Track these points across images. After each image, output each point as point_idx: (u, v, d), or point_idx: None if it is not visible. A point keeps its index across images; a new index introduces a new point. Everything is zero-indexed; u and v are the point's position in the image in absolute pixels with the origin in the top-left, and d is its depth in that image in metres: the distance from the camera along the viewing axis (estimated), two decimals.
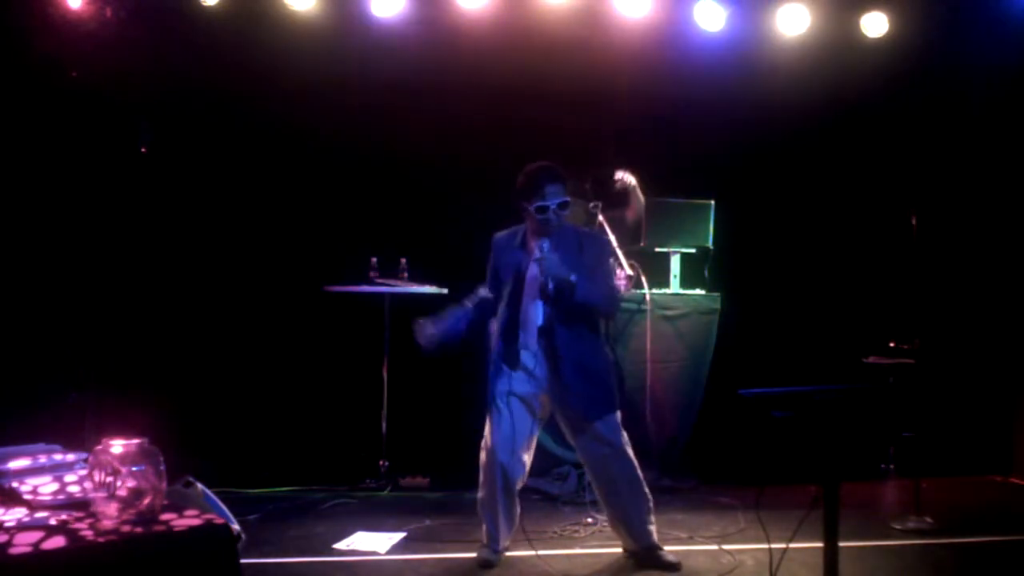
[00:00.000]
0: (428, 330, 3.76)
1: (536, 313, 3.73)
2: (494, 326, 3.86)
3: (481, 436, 3.86)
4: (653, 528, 3.87)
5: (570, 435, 3.82)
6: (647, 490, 3.85)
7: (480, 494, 3.86)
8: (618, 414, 3.79)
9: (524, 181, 3.73)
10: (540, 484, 5.01)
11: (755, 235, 6.05)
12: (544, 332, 3.71)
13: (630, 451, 3.80)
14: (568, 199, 3.70)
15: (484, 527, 3.87)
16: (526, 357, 3.75)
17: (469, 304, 3.86)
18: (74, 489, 2.49)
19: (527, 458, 3.84)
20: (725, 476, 5.34)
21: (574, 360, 3.70)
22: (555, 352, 3.69)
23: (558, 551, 4.02)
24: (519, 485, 3.85)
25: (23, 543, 2.03)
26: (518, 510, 3.90)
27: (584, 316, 3.72)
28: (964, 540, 4.32)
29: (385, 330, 5.34)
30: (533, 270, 3.74)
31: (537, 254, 3.65)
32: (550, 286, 3.62)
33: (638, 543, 3.84)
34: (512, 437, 3.75)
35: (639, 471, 3.82)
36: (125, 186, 5.49)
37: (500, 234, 3.94)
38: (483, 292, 3.89)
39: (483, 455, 3.82)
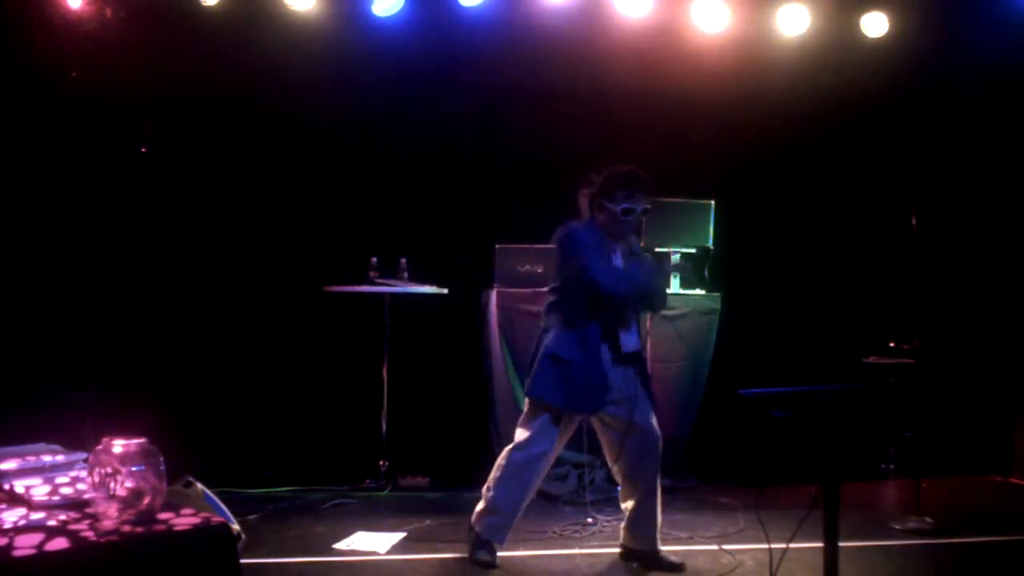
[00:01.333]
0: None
1: (632, 318, 3.79)
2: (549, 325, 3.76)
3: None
4: (659, 534, 3.89)
5: (623, 435, 3.74)
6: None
7: (500, 495, 3.77)
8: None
9: (613, 180, 3.73)
10: (540, 484, 5.00)
11: (755, 235, 6.05)
12: (615, 330, 3.73)
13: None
14: (650, 207, 3.76)
15: (498, 524, 3.80)
16: (603, 352, 3.69)
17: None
18: (74, 489, 2.49)
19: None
20: (725, 476, 5.34)
21: (639, 357, 3.84)
22: (621, 349, 3.73)
23: (558, 551, 4.01)
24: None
25: (23, 543, 2.03)
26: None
27: (642, 311, 3.94)
28: (964, 540, 4.32)
29: (385, 330, 5.34)
30: (621, 266, 3.78)
31: (624, 251, 3.78)
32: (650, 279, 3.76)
33: (646, 544, 3.84)
34: (558, 449, 3.81)
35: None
36: (125, 186, 5.49)
37: (580, 226, 3.78)
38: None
39: (523, 457, 3.74)
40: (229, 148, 5.75)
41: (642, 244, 3.90)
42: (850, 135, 6.14)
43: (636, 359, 3.80)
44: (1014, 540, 4.31)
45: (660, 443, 3.81)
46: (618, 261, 3.77)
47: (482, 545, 3.81)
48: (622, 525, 3.94)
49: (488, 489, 3.80)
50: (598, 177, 3.77)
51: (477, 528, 3.82)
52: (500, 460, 3.80)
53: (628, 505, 3.87)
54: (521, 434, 3.76)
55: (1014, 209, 5.90)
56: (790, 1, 5.85)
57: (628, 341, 3.75)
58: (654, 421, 3.82)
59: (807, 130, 6.07)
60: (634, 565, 3.86)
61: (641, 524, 3.85)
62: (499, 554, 3.89)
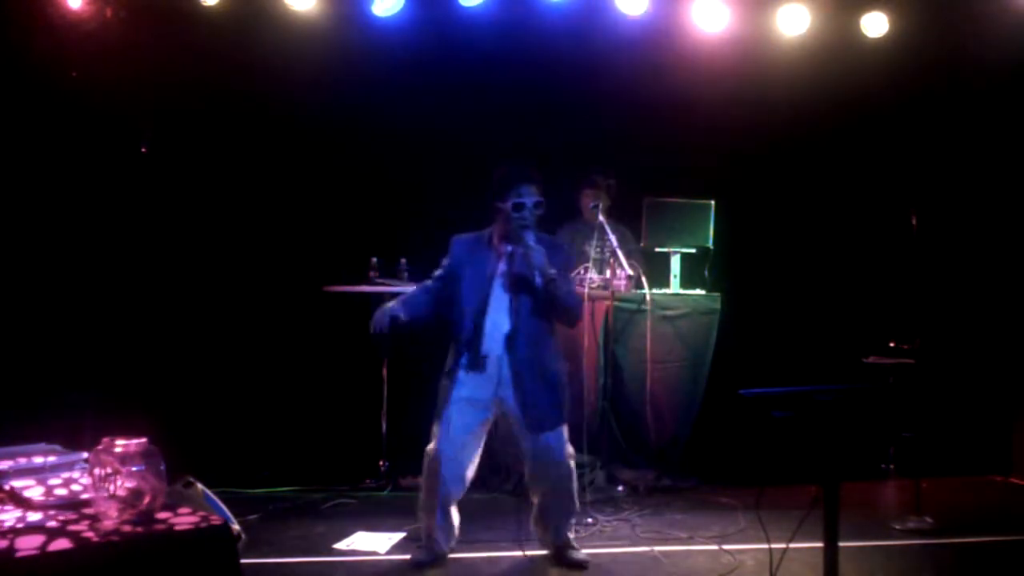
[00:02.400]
0: (385, 324, 3.67)
1: (503, 318, 3.69)
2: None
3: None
4: (572, 533, 3.90)
5: (520, 438, 3.76)
6: (577, 500, 3.88)
7: (421, 498, 3.84)
8: (565, 427, 3.79)
9: (499, 179, 3.69)
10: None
11: (755, 235, 6.05)
12: (509, 337, 3.68)
13: (573, 464, 3.82)
14: (543, 199, 3.67)
15: (423, 534, 3.86)
16: (490, 364, 3.70)
17: (419, 292, 3.86)
18: (74, 489, 2.49)
19: (471, 471, 3.83)
20: (725, 476, 5.33)
21: (535, 367, 3.69)
22: (517, 358, 3.67)
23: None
24: (457, 500, 3.85)
25: (24, 544, 2.03)
26: (456, 523, 3.89)
27: (548, 318, 3.71)
28: (964, 540, 4.32)
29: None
30: (502, 271, 3.71)
31: (516, 250, 3.65)
32: (537, 279, 3.58)
33: (555, 539, 3.86)
34: (460, 449, 3.74)
35: (575, 484, 3.84)
36: (125, 186, 5.49)
37: (462, 236, 3.85)
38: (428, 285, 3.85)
39: (427, 462, 3.77)
40: (229, 148, 5.75)
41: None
42: (850, 135, 6.14)
43: (512, 367, 3.67)
44: (1014, 540, 4.31)
45: (555, 456, 3.73)
46: (501, 264, 3.72)
47: (419, 549, 3.86)
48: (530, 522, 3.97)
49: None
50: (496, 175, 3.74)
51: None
52: None
53: (532, 516, 3.92)
54: None
55: (1014, 209, 5.90)
56: (790, 1, 5.85)
57: (491, 346, 3.69)
58: (547, 447, 3.71)
59: (807, 130, 6.07)
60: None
61: (539, 525, 3.88)
62: (499, 554, 3.90)
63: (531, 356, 3.68)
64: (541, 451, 3.73)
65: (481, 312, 3.69)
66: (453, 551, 3.91)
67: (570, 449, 3.81)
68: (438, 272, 3.85)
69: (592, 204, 5.24)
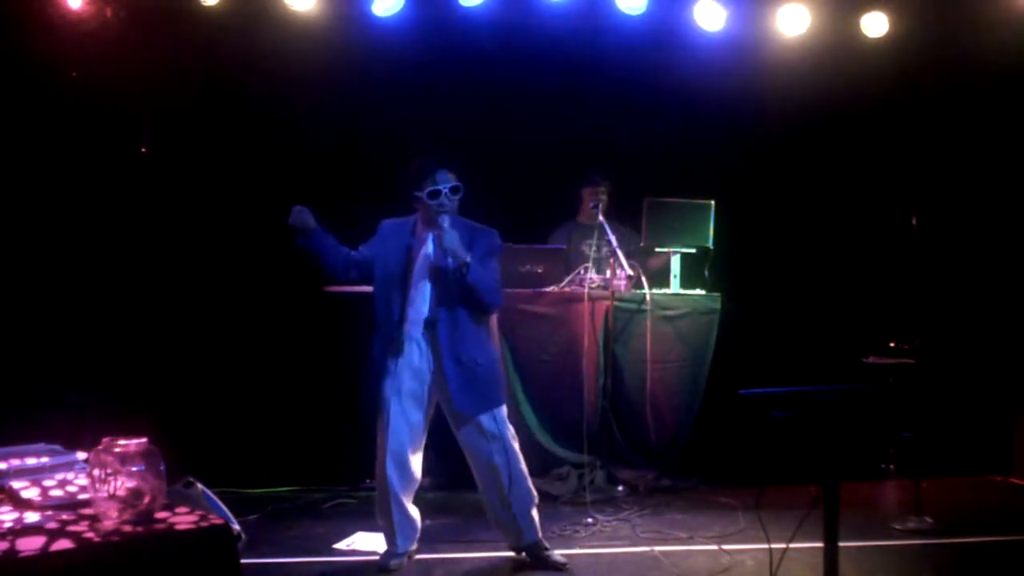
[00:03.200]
0: (307, 220, 3.67)
1: (423, 303, 3.69)
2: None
3: None
4: (537, 525, 3.82)
5: (454, 427, 3.75)
6: (532, 486, 3.81)
7: (377, 499, 3.83)
8: (504, 408, 3.76)
9: (415, 168, 3.70)
10: (540, 484, 5.01)
11: (755, 235, 6.05)
12: (429, 323, 3.68)
13: (516, 445, 3.76)
14: (460, 184, 3.67)
15: (384, 533, 3.85)
16: (411, 350, 3.69)
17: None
18: (74, 489, 2.49)
19: (418, 464, 3.80)
20: (725, 476, 5.33)
21: (457, 353, 3.66)
22: (438, 344, 3.66)
23: (558, 551, 4.00)
24: (412, 493, 3.82)
25: (24, 544, 2.03)
26: (416, 518, 3.86)
27: (469, 305, 3.68)
28: (964, 540, 4.32)
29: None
30: (422, 260, 3.71)
31: (432, 235, 3.66)
32: (449, 261, 3.59)
33: (520, 540, 3.81)
34: (403, 443, 3.72)
35: (524, 466, 3.77)
36: (125, 186, 5.49)
37: (389, 220, 3.86)
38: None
39: (376, 464, 3.78)
40: (229, 148, 5.75)
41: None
42: (850, 135, 6.14)
43: (434, 353, 3.68)
44: (1014, 540, 4.31)
45: (487, 443, 3.68)
46: (423, 252, 3.71)
47: (384, 552, 3.84)
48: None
49: None
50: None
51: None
52: None
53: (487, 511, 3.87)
54: None
55: (1014, 209, 5.90)
56: (790, 1, 5.85)
57: (412, 331, 3.69)
58: (477, 431, 3.68)
59: (807, 130, 6.06)
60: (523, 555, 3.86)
61: (500, 525, 3.83)
62: (501, 554, 3.90)
63: (451, 342, 3.65)
64: (475, 436, 3.69)
65: (402, 298, 3.68)
66: (452, 551, 3.91)
67: (512, 431, 3.76)
68: (361, 246, 3.82)
69: (592, 204, 5.25)
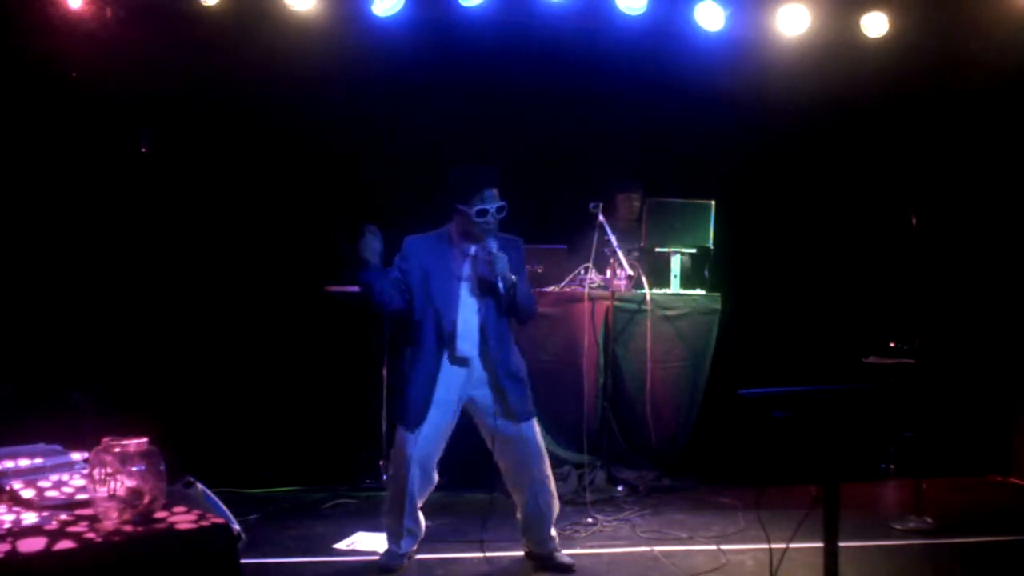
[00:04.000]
0: (375, 247, 3.62)
1: (473, 317, 3.69)
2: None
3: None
4: (555, 535, 3.87)
5: (501, 435, 3.74)
6: (556, 495, 3.87)
7: (389, 502, 3.83)
8: (536, 420, 3.81)
9: (462, 182, 3.67)
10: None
11: (755, 235, 6.05)
12: (482, 337, 3.69)
13: (545, 452, 3.83)
14: (505, 204, 3.66)
15: (389, 533, 3.83)
16: (461, 363, 3.70)
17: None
18: (74, 489, 2.49)
19: (436, 473, 3.82)
20: (725, 476, 5.33)
21: (507, 363, 3.72)
22: (490, 356, 3.69)
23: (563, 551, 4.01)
24: (424, 501, 3.83)
25: (24, 544, 2.03)
26: (423, 525, 3.87)
27: (507, 316, 3.73)
28: (964, 540, 4.32)
29: (385, 330, 5.34)
30: (468, 273, 3.70)
31: (479, 254, 3.65)
32: (501, 285, 3.59)
33: (541, 547, 3.84)
34: (430, 453, 3.74)
35: (553, 479, 3.85)
36: (126, 186, 5.49)
37: (415, 237, 3.82)
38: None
39: (395, 467, 3.77)
40: (229, 148, 5.75)
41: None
42: (850, 135, 6.14)
43: (485, 365, 3.70)
44: (1014, 540, 4.31)
45: (534, 449, 3.74)
46: (466, 266, 3.71)
47: (385, 552, 3.83)
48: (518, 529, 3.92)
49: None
50: (453, 178, 3.72)
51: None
52: None
53: (518, 515, 3.87)
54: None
55: (1014, 209, 5.90)
56: (790, 1, 5.85)
57: (465, 347, 3.69)
58: (523, 440, 3.73)
59: (807, 130, 6.07)
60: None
61: (531, 531, 3.84)
62: (502, 554, 3.91)
63: (500, 354, 3.70)
64: (522, 441, 3.72)
65: (453, 313, 3.68)
66: (452, 551, 3.92)
67: (542, 439, 3.83)
68: (395, 272, 3.76)
69: (591, 204, 5.25)
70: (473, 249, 3.70)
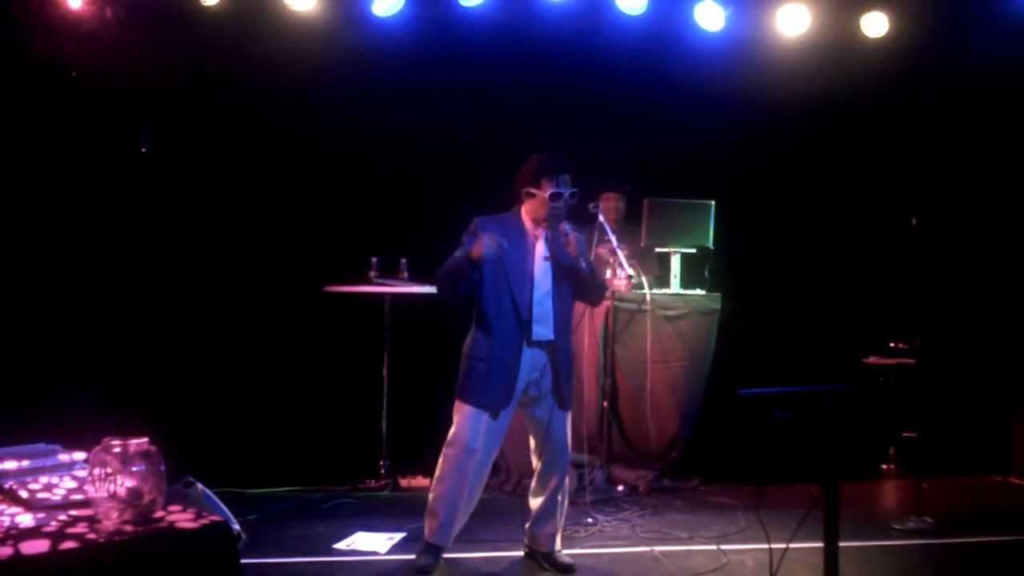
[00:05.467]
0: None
1: (548, 301, 3.68)
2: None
3: None
4: (559, 537, 3.86)
5: (543, 422, 3.71)
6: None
7: (441, 491, 3.70)
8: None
9: (538, 166, 3.68)
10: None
11: (755, 235, 6.05)
12: (556, 320, 3.69)
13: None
14: (578, 190, 3.68)
15: (434, 525, 3.72)
16: (536, 347, 3.67)
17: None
18: (74, 489, 2.49)
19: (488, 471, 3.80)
20: (725, 476, 5.33)
21: (567, 350, 3.77)
22: (558, 341, 3.70)
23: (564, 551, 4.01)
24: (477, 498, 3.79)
25: (24, 544, 2.03)
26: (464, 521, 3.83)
27: (573, 304, 3.78)
28: (964, 540, 4.32)
29: (385, 330, 5.34)
30: (540, 258, 3.69)
31: (555, 236, 3.66)
32: (584, 265, 3.64)
33: (548, 546, 3.82)
34: (495, 448, 3.74)
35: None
36: (126, 186, 5.49)
37: (486, 217, 3.74)
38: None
39: (457, 452, 3.65)
40: (229, 148, 5.75)
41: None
42: (850, 135, 6.14)
43: (552, 350, 3.69)
44: (1014, 540, 4.31)
45: (566, 450, 3.78)
46: (540, 248, 3.70)
47: (425, 549, 3.76)
48: (526, 525, 3.89)
49: (431, 490, 3.77)
50: (526, 164, 3.72)
51: (424, 532, 3.79)
52: (440, 459, 3.75)
53: (535, 504, 3.84)
54: (451, 432, 3.72)
55: (1014, 209, 5.90)
56: (790, 1, 5.85)
57: (541, 331, 3.68)
58: (566, 427, 3.76)
59: (807, 130, 6.07)
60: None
61: (540, 525, 3.83)
62: (502, 554, 3.90)
63: (564, 339, 3.76)
64: (563, 430, 3.74)
65: (529, 297, 3.67)
66: (452, 551, 3.91)
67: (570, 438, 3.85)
68: (463, 250, 3.65)
69: (592, 204, 5.24)
70: (547, 233, 3.70)
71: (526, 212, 3.75)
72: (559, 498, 3.79)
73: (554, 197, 3.63)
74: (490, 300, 3.67)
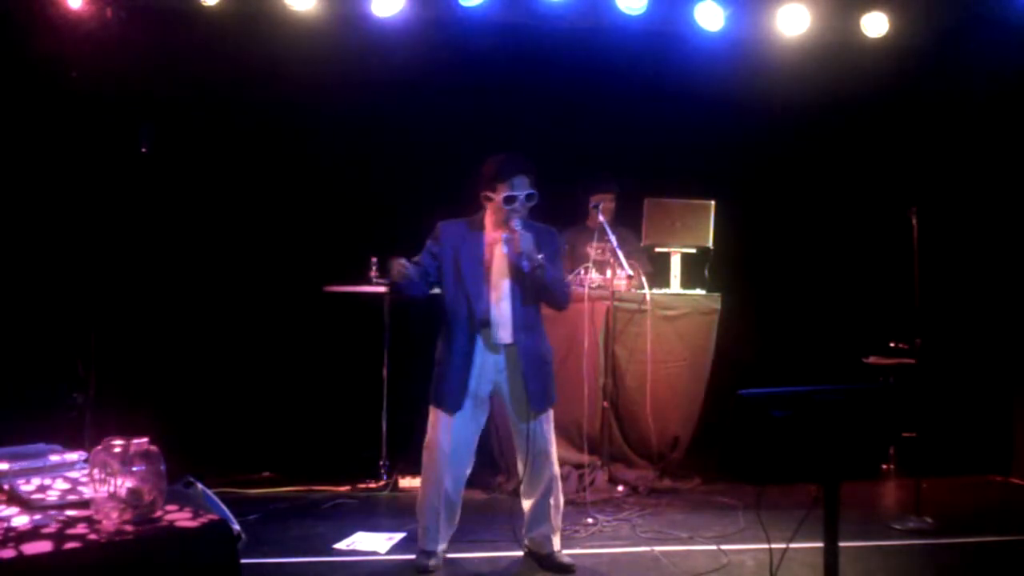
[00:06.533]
0: (405, 270, 3.62)
1: (507, 304, 3.69)
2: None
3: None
4: (557, 537, 3.85)
5: (516, 424, 3.76)
6: (562, 494, 3.88)
7: (420, 496, 3.80)
8: (552, 411, 3.82)
9: (492, 169, 3.68)
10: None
11: (755, 235, 6.05)
12: (516, 323, 3.68)
13: (555, 449, 3.85)
14: (535, 191, 3.67)
15: (419, 530, 3.81)
16: (495, 349, 3.70)
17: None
18: (74, 489, 2.49)
19: (470, 470, 3.82)
20: (725, 476, 5.33)
21: (534, 350, 3.72)
22: (518, 343, 3.68)
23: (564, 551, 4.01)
24: (462, 487, 3.81)
25: (25, 544, 2.03)
26: (458, 513, 3.85)
27: (537, 303, 3.74)
28: (964, 540, 4.32)
29: (385, 330, 5.34)
30: (499, 260, 3.70)
31: (506, 236, 3.65)
32: (524, 264, 3.59)
33: (544, 547, 3.82)
34: (466, 446, 3.74)
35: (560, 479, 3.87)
36: (126, 186, 5.49)
37: (448, 221, 3.81)
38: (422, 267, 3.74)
39: (429, 456, 3.74)
40: (229, 148, 5.76)
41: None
42: (850, 135, 6.14)
43: (513, 352, 3.69)
44: (1014, 540, 4.31)
45: (547, 450, 3.77)
46: (497, 252, 3.70)
47: (418, 553, 3.80)
48: (523, 529, 3.90)
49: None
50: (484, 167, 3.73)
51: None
52: None
53: (527, 506, 3.85)
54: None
55: (1014, 209, 5.90)
56: (790, 1, 5.85)
57: (500, 334, 3.69)
58: (544, 428, 3.75)
59: (807, 130, 6.07)
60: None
61: (535, 527, 3.83)
62: (502, 554, 3.90)
63: (528, 340, 3.70)
64: (532, 433, 3.71)
65: (486, 299, 3.69)
66: (453, 551, 3.91)
67: (553, 437, 3.83)
68: (425, 255, 3.77)
69: (592, 205, 5.25)
70: (505, 236, 3.70)
71: (488, 215, 3.76)
72: (551, 500, 3.79)
73: (508, 200, 3.63)
74: (448, 304, 3.73)
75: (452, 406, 3.68)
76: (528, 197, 3.66)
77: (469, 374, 3.68)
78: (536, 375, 3.71)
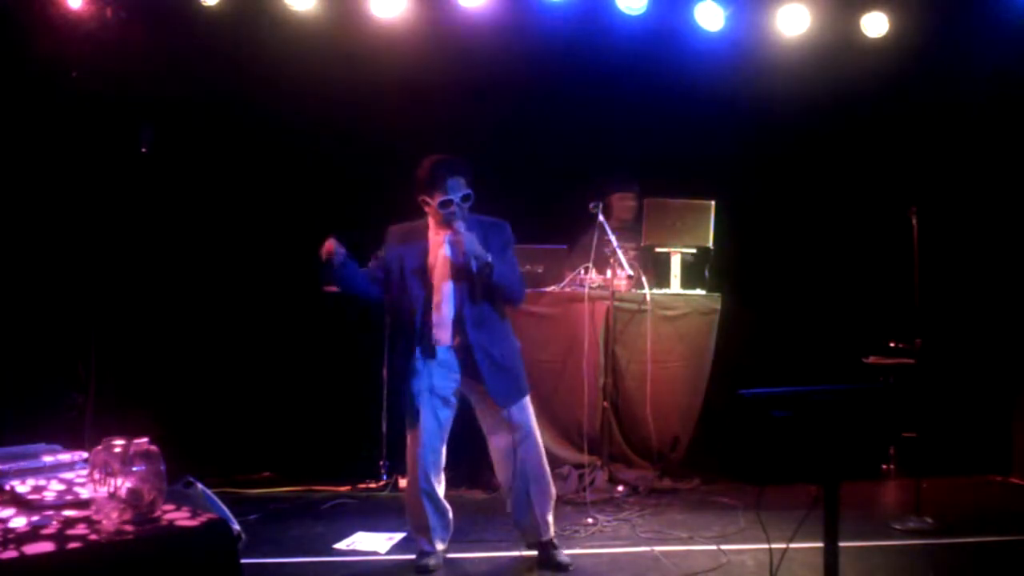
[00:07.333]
0: (339, 256, 3.65)
1: (448, 305, 3.68)
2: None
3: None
4: (551, 522, 3.83)
5: (484, 420, 3.79)
6: (551, 483, 3.85)
7: (407, 500, 3.83)
8: (528, 398, 3.79)
9: (424, 175, 3.67)
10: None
11: (755, 235, 6.05)
12: (458, 323, 3.68)
13: (539, 437, 3.81)
14: (471, 192, 3.65)
15: (415, 532, 3.84)
16: (442, 351, 3.70)
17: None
18: (74, 489, 2.49)
19: (443, 457, 3.82)
20: (725, 476, 5.33)
21: (487, 348, 3.68)
22: (468, 342, 3.66)
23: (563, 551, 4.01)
24: (441, 485, 3.82)
25: (25, 545, 2.03)
26: (449, 512, 3.86)
27: (493, 300, 3.71)
28: (964, 540, 4.32)
29: (385, 330, 5.33)
30: (441, 261, 3.70)
31: (449, 238, 3.65)
32: (473, 264, 3.59)
33: (534, 537, 3.82)
34: (435, 442, 3.74)
35: (546, 462, 3.83)
36: (126, 187, 5.48)
37: (396, 226, 3.84)
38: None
39: (408, 460, 3.78)
40: (229, 148, 5.75)
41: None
42: (850, 135, 6.14)
43: (465, 352, 3.68)
44: (1014, 540, 4.31)
45: (520, 435, 3.72)
46: (439, 254, 3.71)
47: (419, 553, 3.82)
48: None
49: None
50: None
51: None
52: None
53: (507, 502, 3.85)
54: None
55: (1014, 209, 5.90)
56: (790, 1, 5.85)
57: (443, 335, 3.69)
58: (512, 414, 3.71)
59: (807, 130, 6.06)
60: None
61: (518, 517, 3.82)
62: (502, 554, 3.90)
63: (479, 340, 3.67)
64: (503, 429, 3.71)
65: (427, 301, 3.68)
66: (453, 551, 3.91)
67: (535, 421, 3.80)
68: (373, 260, 3.82)
69: (591, 204, 5.25)
70: (448, 237, 3.68)
71: (430, 218, 3.76)
72: (529, 488, 3.74)
73: (444, 204, 3.62)
74: (394, 310, 3.77)
75: (403, 410, 3.73)
76: (464, 198, 3.64)
77: (412, 381, 3.69)
78: (494, 373, 3.67)
